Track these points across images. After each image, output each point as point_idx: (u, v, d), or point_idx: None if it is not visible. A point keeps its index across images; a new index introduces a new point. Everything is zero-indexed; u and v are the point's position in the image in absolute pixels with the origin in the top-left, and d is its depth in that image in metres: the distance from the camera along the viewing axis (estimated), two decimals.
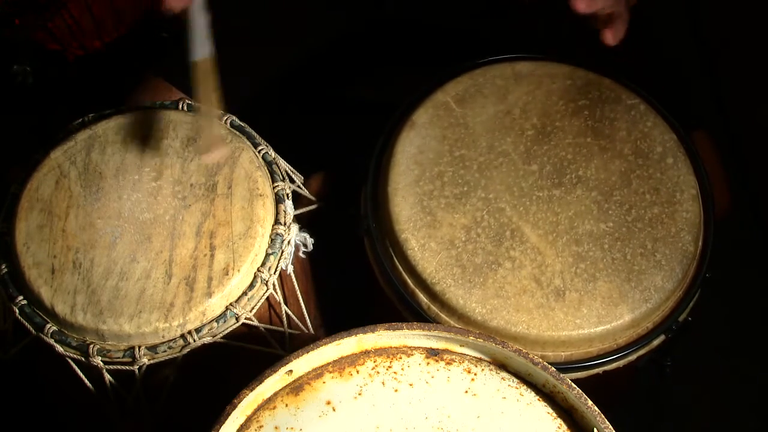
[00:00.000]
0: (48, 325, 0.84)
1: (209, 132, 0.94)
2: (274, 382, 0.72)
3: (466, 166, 0.95)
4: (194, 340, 0.84)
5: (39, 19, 1.19)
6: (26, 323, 0.85)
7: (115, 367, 0.85)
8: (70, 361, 0.85)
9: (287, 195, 0.93)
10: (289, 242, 0.90)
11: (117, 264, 0.86)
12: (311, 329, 0.99)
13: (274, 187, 0.92)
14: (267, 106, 1.21)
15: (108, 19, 1.25)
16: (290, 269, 0.92)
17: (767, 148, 1.43)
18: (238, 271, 0.85)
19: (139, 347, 0.84)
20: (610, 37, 0.93)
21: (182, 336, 0.84)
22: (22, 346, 0.88)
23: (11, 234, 0.88)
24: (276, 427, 0.71)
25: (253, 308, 0.87)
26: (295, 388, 0.73)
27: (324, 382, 0.73)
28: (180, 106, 0.97)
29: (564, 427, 0.71)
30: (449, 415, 0.71)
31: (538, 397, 0.73)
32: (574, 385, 0.71)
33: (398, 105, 1.02)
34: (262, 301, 0.88)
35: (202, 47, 0.91)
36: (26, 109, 1.36)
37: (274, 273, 0.89)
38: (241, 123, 0.97)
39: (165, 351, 0.84)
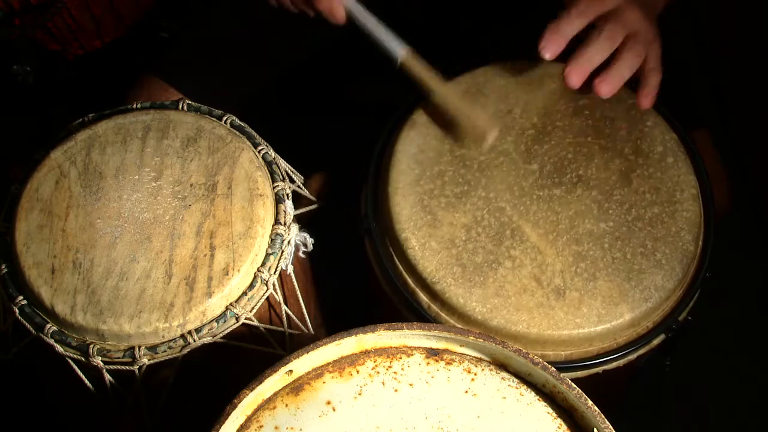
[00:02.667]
0: (48, 325, 0.84)
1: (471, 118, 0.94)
2: (274, 382, 0.72)
3: (466, 165, 0.95)
4: (194, 340, 0.84)
5: (39, 19, 1.19)
6: (26, 323, 0.85)
7: (115, 367, 0.85)
8: (70, 361, 0.85)
9: (287, 195, 0.93)
10: (289, 242, 0.90)
11: (117, 264, 0.86)
12: (311, 329, 0.99)
13: (274, 187, 0.92)
14: (267, 106, 1.21)
15: (108, 19, 1.25)
16: (290, 269, 0.92)
17: (767, 148, 1.43)
18: (238, 271, 0.85)
19: (139, 347, 0.84)
20: (645, 100, 0.93)
21: (182, 336, 0.84)
22: (22, 346, 0.88)
23: (11, 234, 0.88)
24: (276, 427, 0.71)
25: (253, 308, 0.87)
26: (295, 388, 0.73)
27: (324, 382, 0.73)
28: (180, 106, 0.97)
29: (564, 427, 0.71)
30: (449, 415, 0.71)
31: (538, 397, 0.73)
32: (574, 385, 0.71)
33: (398, 105, 1.02)
34: (262, 301, 0.88)
35: (394, 44, 0.93)
36: (26, 109, 1.37)
37: (274, 273, 0.89)
38: (241, 123, 0.97)
39: (165, 351, 0.84)
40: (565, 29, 0.87)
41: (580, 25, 0.88)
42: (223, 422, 0.69)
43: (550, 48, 0.87)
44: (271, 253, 0.88)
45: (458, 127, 0.96)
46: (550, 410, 0.72)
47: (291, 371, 0.73)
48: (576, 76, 0.88)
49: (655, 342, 0.91)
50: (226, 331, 0.86)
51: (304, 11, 0.97)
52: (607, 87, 0.89)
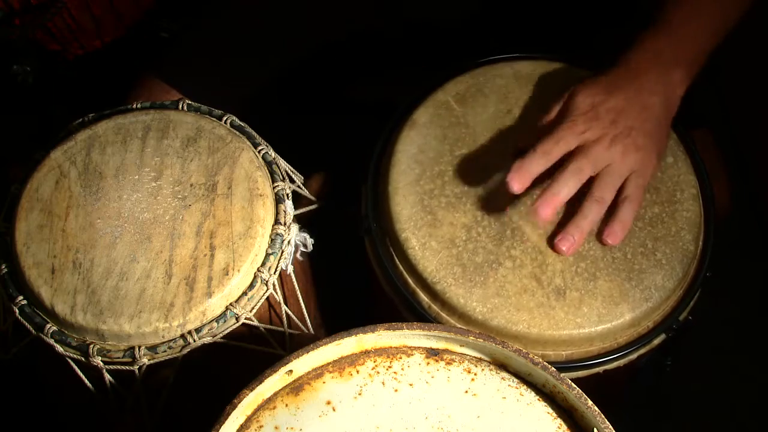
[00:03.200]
0: (48, 325, 0.84)
1: None
2: (274, 382, 0.72)
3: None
4: (194, 340, 0.84)
5: (39, 19, 1.19)
6: (26, 323, 0.85)
7: (115, 367, 0.85)
8: (70, 361, 0.85)
9: (287, 195, 0.93)
10: (289, 242, 0.90)
11: (117, 264, 0.86)
12: (311, 329, 0.99)
13: (274, 187, 0.92)
14: (267, 106, 1.21)
15: (108, 19, 1.25)
16: (290, 269, 0.92)
17: (767, 148, 1.43)
18: (238, 271, 0.85)
19: (139, 347, 0.84)
20: (607, 236, 0.89)
21: (182, 336, 0.84)
22: (22, 346, 0.88)
23: (11, 234, 0.88)
24: (276, 427, 0.71)
25: (253, 308, 0.87)
26: (295, 388, 0.73)
27: (324, 382, 0.73)
28: (180, 106, 0.97)
29: (564, 427, 0.71)
30: (449, 415, 0.71)
31: (538, 397, 0.73)
32: (574, 385, 0.71)
33: (398, 105, 1.02)
34: (262, 301, 0.88)
35: None
36: (26, 109, 1.36)
37: (274, 273, 0.88)
38: (241, 123, 0.97)
39: (165, 351, 0.84)
40: (530, 168, 0.86)
41: (545, 164, 0.87)
42: (223, 422, 0.69)
43: (515, 184, 0.86)
44: (271, 253, 0.88)
45: None
46: (550, 410, 0.72)
47: (291, 371, 0.73)
48: (545, 209, 0.86)
49: (656, 342, 0.91)
50: (226, 331, 0.86)
51: None
52: (565, 244, 0.88)
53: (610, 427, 0.69)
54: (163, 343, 0.84)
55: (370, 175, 0.98)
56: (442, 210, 0.92)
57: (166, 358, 0.85)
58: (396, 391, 0.73)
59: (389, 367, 0.74)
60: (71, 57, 1.29)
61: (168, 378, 0.87)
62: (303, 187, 1.00)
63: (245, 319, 0.86)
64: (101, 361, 0.84)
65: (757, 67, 1.42)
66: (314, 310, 1.07)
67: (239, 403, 0.70)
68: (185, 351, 0.84)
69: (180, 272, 0.85)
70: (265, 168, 0.94)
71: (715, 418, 1.34)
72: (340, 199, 1.06)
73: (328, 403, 0.72)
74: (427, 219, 0.92)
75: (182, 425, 0.92)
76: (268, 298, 0.89)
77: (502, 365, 0.75)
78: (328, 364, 0.75)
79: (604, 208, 0.88)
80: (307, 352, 0.72)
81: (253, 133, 0.96)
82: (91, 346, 0.84)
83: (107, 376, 0.85)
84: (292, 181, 0.97)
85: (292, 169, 0.99)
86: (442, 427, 0.71)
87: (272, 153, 0.95)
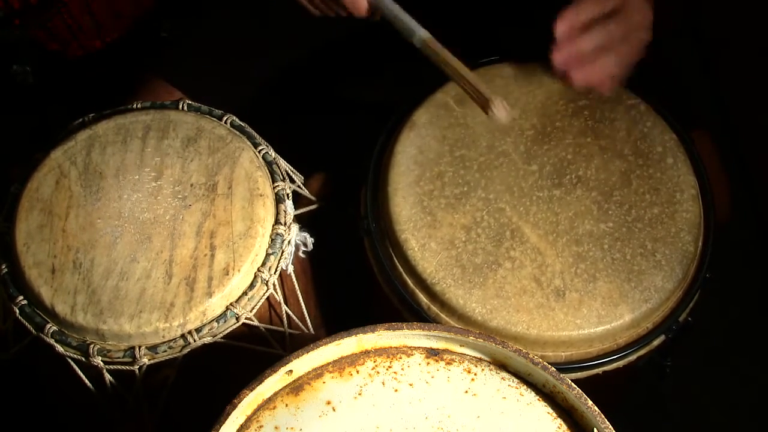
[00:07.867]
0: (48, 325, 0.84)
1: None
2: (274, 382, 0.72)
3: (466, 166, 0.95)
4: (194, 340, 0.84)
5: (39, 19, 1.19)
6: (26, 323, 0.85)
7: (115, 367, 0.85)
8: (70, 361, 0.85)
9: (287, 195, 0.93)
10: (289, 242, 0.91)
11: (117, 264, 0.86)
12: (311, 329, 0.99)
13: (274, 187, 0.92)
14: (267, 106, 1.21)
15: (108, 19, 1.25)
16: (290, 269, 0.92)
17: (767, 148, 1.43)
18: (239, 271, 0.86)
19: (140, 347, 0.84)
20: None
21: (182, 336, 0.84)
22: (22, 346, 0.88)
23: (11, 234, 0.88)
24: (276, 427, 0.71)
25: (253, 308, 0.87)
26: (295, 388, 0.73)
27: (324, 382, 0.73)
28: (180, 106, 0.97)
29: (564, 427, 0.71)
30: (449, 415, 0.71)
31: (538, 397, 0.73)
32: (574, 385, 0.71)
33: (398, 105, 1.02)
34: (263, 301, 0.88)
35: (416, 26, 0.92)
36: (26, 109, 1.37)
37: (275, 273, 0.89)
38: (241, 123, 0.97)
39: (165, 351, 0.84)
40: (578, 12, 0.89)
41: (592, 13, 0.89)
42: (223, 422, 0.69)
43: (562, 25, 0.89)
44: (272, 253, 0.88)
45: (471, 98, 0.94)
46: (550, 410, 0.72)
47: (291, 371, 0.73)
48: (561, 23, 0.88)
49: (655, 343, 0.91)
50: (226, 331, 0.86)
51: (327, 13, 0.96)
52: (579, 74, 0.89)
53: (610, 427, 0.69)
54: (164, 343, 0.84)
55: (369, 176, 0.98)
56: (442, 211, 0.92)
57: (167, 358, 0.85)
58: (396, 391, 0.73)
59: (389, 367, 0.74)
60: (71, 57, 1.29)
61: (168, 378, 0.87)
62: (303, 187, 1.00)
63: (245, 319, 0.86)
64: (101, 361, 0.84)
65: (757, 68, 1.43)
66: (314, 310, 1.07)
67: (239, 403, 0.70)
68: (185, 351, 0.84)
69: (180, 272, 0.85)
70: (266, 168, 0.94)
71: (715, 419, 1.34)
72: (340, 199, 1.06)
73: (328, 403, 0.72)
74: (426, 220, 0.92)
75: (182, 425, 0.92)
76: (268, 298, 0.89)
77: (502, 365, 0.75)
78: (328, 364, 0.75)
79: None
80: (307, 352, 0.72)
81: (253, 133, 0.96)
82: (92, 346, 0.84)
83: (107, 376, 0.85)
84: (292, 181, 0.97)
85: (292, 169, 0.99)
86: (442, 427, 0.71)
87: (272, 153, 0.96)
